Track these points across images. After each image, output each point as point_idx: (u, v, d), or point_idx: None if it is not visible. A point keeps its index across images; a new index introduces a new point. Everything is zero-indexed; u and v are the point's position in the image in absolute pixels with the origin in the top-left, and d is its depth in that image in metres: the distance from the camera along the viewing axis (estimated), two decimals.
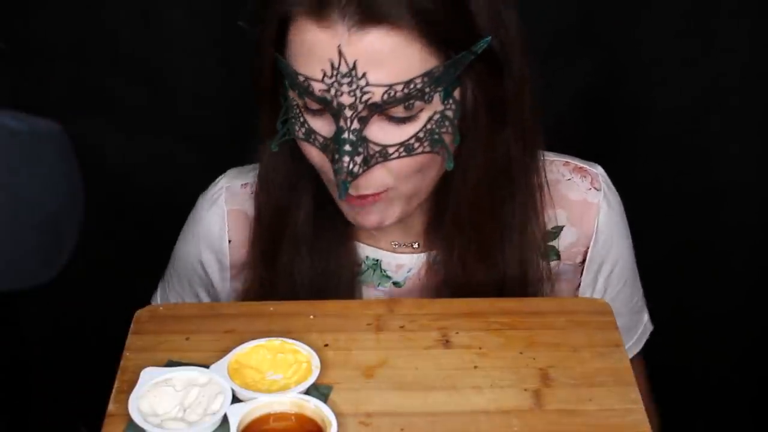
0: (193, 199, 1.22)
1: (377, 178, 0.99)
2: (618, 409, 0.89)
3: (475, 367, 0.93)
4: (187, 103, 1.55)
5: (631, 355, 1.15)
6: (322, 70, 0.93)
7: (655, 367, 1.24)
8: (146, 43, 1.51)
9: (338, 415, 0.86)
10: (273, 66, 0.99)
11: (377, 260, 1.13)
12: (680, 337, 1.58)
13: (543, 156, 1.09)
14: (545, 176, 1.09)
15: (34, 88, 1.52)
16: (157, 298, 1.23)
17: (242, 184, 1.16)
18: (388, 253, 1.13)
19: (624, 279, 1.16)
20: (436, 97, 0.96)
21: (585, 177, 1.13)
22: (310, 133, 0.99)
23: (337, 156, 0.96)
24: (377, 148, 0.97)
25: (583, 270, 1.14)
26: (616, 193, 1.15)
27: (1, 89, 1.51)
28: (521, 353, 0.95)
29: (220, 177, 1.18)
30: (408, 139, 0.97)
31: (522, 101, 1.02)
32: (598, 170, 1.14)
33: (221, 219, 1.15)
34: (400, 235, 1.12)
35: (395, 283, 1.13)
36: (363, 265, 1.12)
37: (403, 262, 1.13)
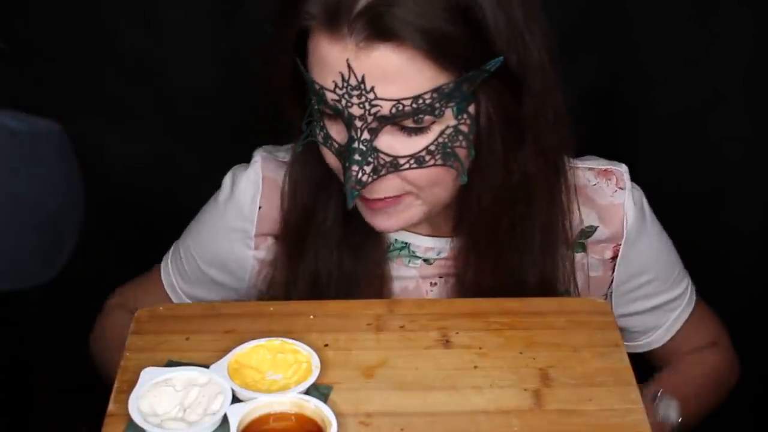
0: (193, 199, 1.22)
1: (390, 184, 1.00)
2: (618, 409, 0.89)
3: (475, 367, 0.93)
4: (187, 103, 1.55)
5: (688, 314, 1.22)
6: (333, 81, 0.95)
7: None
8: (146, 43, 1.51)
9: (338, 415, 0.86)
10: (293, 69, 1.00)
11: (406, 243, 1.13)
12: None
13: (569, 161, 1.10)
14: (573, 181, 1.10)
15: (34, 88, 1.52)
16: (169, 268, 1.23)
17: (277, 158, 1.15)
18: (417, 235, 1.13)
19: (661, 257, 1.19)
20: (448, 112, 0.97)
21: (610, 179, 1.14)
22: (328, 138, 1.00)
23: (347, 164, 0.97)
24: (388, 159, 0.98)
25: (615, 266, 1.15)
26: (644, 197, 1.17)
27: (1, 89, 1.51)
28: (521, 353, 0.95)
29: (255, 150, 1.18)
30: (419, 152, 0.98)
31: (541, 120, 1.02)
32: (623, 168, 1.15)
33: (255, 185, 1.14)
34: (421, 224, 1.13)
35: (425, 260, 1.13)
36: (391, 246, 1.13)
37: (432, 245, 1.13)
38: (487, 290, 1.08)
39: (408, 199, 1.02)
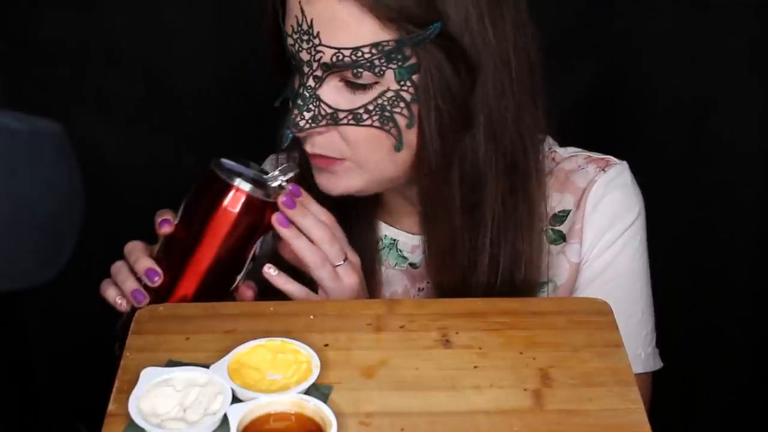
0: None
1: (332, 141, 1.02)
2: (618, 409, 0.89)
3: (475, 367, 0.93)
4: (187, 103, 1.55)
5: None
6: (291, 26, 0.99)
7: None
8: (147, 43, 1.51)
9: (338, 415, 0.86)
10: (278, 28, 1.03)
11: (394, 240, 1.14)
12: (678, 340, 1.58)
13: (551, 148, 1.10)
14: (538, 168, 1.08)
15: (34, 88, 1.52)
16: None
17: (285, 156, 1.17)
18: (405, 233, 1.14)
19: (620, 286, 1.12)
20: (389, 74, 0.98)
21: (599, 165, 1.12)
22: (294, 94, 1.03)
23: (289, 108, 1.01)
24: (328, 110, 1.00)
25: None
26: (635, 190, 1.13)
27: (1, 89, 1.51)
28: (521, 353, 0.95)
29: None
30: (357, 108, 1.00)
31: (496, 109, 1.02)
32: (621, 162, 1.13)
33: None
34: (410, 221, 1.14)
35: (411, 264, 1.14)
36: (380, 243, 1.15)
37: (418, 243, 1.14)
38: (446, 283, 1.07)
39: (347, 165, 1.04)
